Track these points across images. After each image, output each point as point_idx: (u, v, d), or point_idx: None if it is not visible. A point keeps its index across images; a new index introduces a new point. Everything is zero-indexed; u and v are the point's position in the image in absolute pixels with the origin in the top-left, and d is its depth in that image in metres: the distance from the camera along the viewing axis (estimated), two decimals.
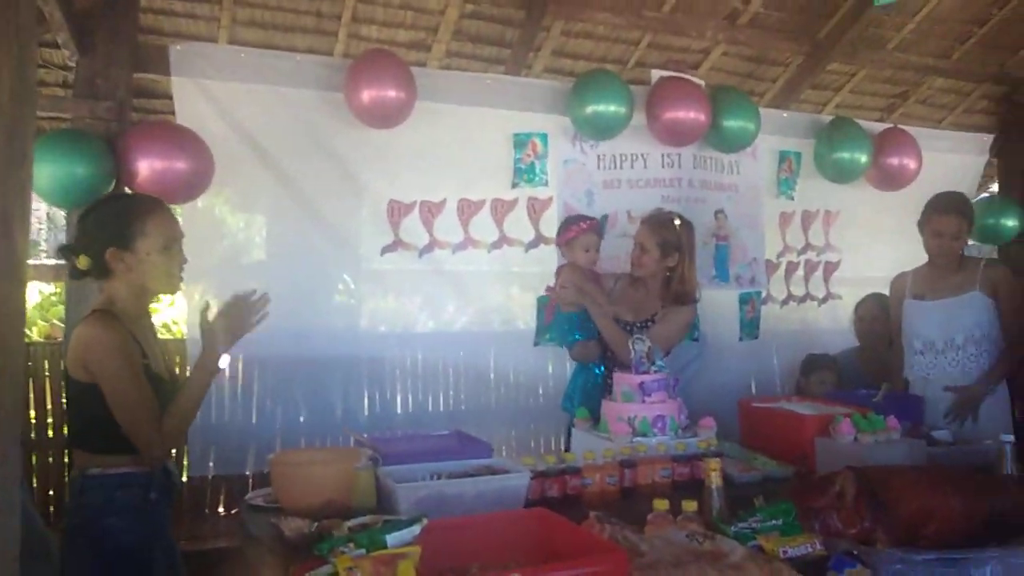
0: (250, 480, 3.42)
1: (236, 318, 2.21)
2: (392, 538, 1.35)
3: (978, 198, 5.00)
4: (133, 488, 2.10)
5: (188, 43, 3.28)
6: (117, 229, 2.16)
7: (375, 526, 1.39)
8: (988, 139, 4.92)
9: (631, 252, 3.31)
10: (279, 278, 3.48)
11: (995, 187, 5.24)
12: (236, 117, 3.33)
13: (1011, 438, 2.37)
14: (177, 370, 3.21)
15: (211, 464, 3.33)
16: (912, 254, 4.70)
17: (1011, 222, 4.68)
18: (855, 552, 1.72)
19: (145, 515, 2.12)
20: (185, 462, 3.25)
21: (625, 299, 3.32)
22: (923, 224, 3.49)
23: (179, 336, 5.25)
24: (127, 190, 3.03)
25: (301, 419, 3.49)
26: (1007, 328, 3.38)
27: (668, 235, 3.20)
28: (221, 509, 3.49)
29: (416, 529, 1.38)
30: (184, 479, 3.49)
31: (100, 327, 2.08)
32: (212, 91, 3.27)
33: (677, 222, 3.24)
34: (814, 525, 1.87)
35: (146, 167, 2.99)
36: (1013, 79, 4.84)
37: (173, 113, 3.26)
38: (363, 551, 1.31)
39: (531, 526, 1.72)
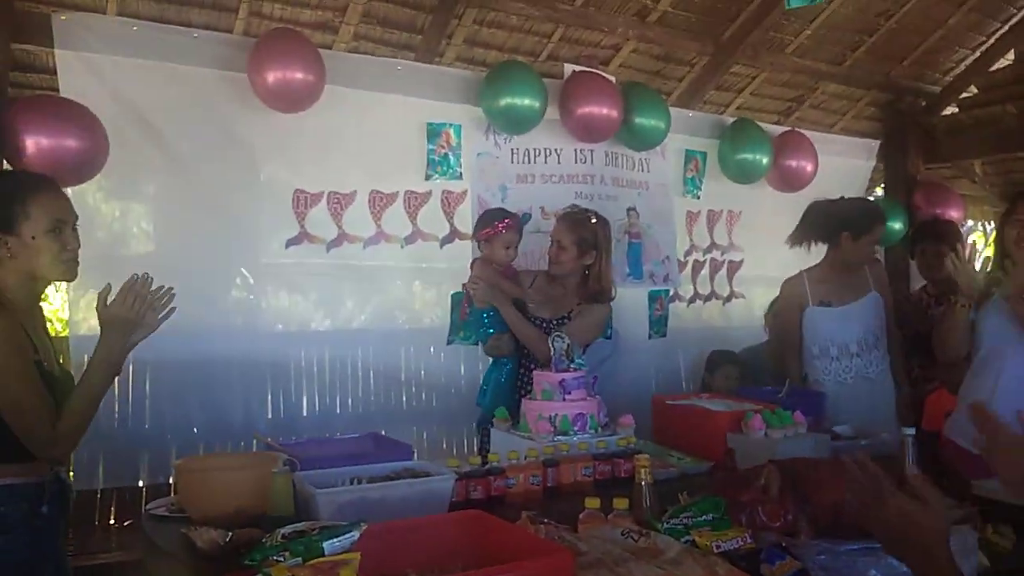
0: (144, 492, 3.17)
1: (137, 303, 2.04)
2: (330, 545, 1.25)
3: None
4: (22, 501, 1.91)
5: (73, 13, 3.00)
6: None
7: (311, 533, 1.28)
8: (875, 144, 5.19)
9: (548, 249, 3.28)
10: (170, 271, 3.15)
11: (880, 191, 5.51)
12: (126, 94, 3.09)
13: (912, 430, 2.46)
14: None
15: (100, 476, 3.09)
16: (808, 254, 4.90)
17: (897, 225, 4.92)
18: (783, 544, 1.73)
19: (36, 530, 1.92)
20: (70, 474, 2.98)
21: (542, 296, 3.29)
22: (861, 233, 3.46)
23: (54, 333, 4.86)
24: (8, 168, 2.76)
25: (199, 424, 3.26)
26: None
27: (585, 233, 3.19)
28: (113, 521, 3.22)
29: (355, 535, 1.29)
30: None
31: None
32: (100, 66, 3.02)
33: (593, 220, 3.24)
34: (741, 519, 1.88)
35: (33, 145, 2.72)
36: (898, 87, 5.11)
37: (55, 89, 3.00)
38: (299, 560, 1.21)
39: (466, 528, 1.64)
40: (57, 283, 2.45)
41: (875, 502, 1.37)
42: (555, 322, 3.18)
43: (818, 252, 4.53)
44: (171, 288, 2.16)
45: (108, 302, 2.06)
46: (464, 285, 3.33)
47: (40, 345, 2.02)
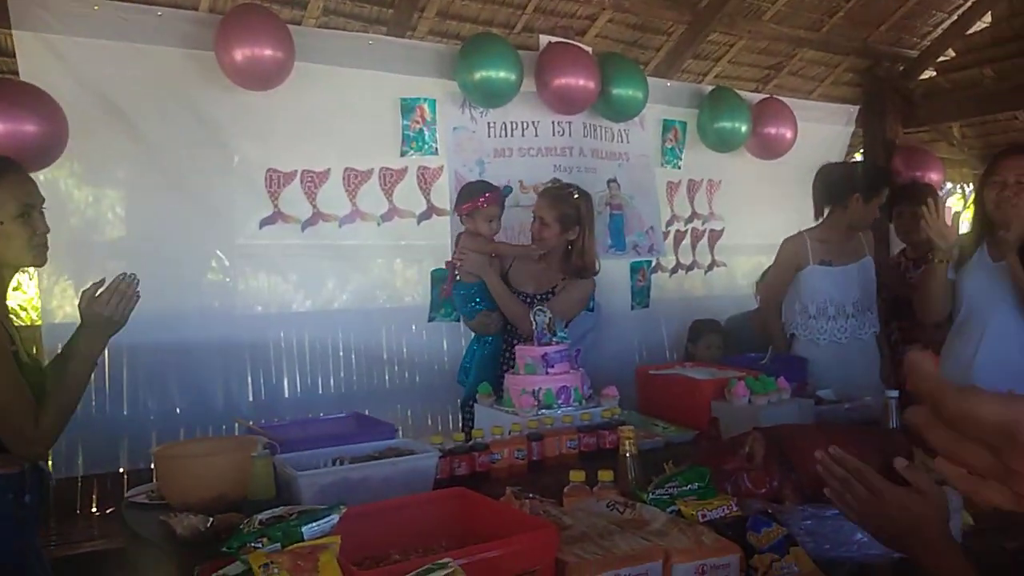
0: (125, 477, 3.14)
1: (122, 303, 2.03)
2: (308, 529, 1.22)
3: None
4: (7, 492, 1.89)
5: None
6: None
7: (289, 518, 1.25)
8: (854, 110, 5.17)
9: (531, 225, 3.25)
10: (143, 257, 3.19)
11: (859, 156, 5.51)
12: (89, 77, 3.02)
13: (895, 393, 2.47)
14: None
15: (79, 463, 3.05)
16: (789, 221, 4.90)
17: None
18: (769, 511, 1.72)
19: (20, 521, 1.91)
20: (50, 462, 2.95)
21: (526, 271, 3.27)
22: (871, 196, 3.46)
23: (28, 322, 4.80)
24: None
25: (178, 409, 3.23)
26: None
27: (568, 208, 3.17)
28: (94, 509, 3.19)
29: (334, 518, 1.26)
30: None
31: None
32: (60, 47, 2.94)
33: (576, 195, 3.21)
34: (726, 487, 1.87)
35: None
36: (875, 52, 5.08)
37: (13, 72, 2.93)
38: (278, 545, 1.18)
39: (450, 507, 1.62)
40: (30, 270, 2.39)
41: (871, 500, 1.29)
42: (539, 297, 3.16)
43: (801, 218, 4.51)
44: (134, 275, 2.12)
45: (91, 300, 2.03)
46: (447, 262, 3.29)
47: (13, 335, 1.97)
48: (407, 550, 1.48)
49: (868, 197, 3.46)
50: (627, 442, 2.00)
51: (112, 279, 2.08)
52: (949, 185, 6.24)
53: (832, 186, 3.54)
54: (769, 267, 4.11)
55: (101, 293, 2.04)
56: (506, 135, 3.86)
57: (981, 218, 2.94)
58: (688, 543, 1.51)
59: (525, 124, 3.90)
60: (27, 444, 1.91)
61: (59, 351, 2.19)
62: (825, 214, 3.57)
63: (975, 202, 3.08)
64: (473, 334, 3.33)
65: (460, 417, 3.34)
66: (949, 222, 2.89)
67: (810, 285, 3.50)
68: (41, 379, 2.01)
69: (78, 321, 2.99)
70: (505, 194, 3.36)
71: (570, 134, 3.98)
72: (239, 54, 3.03)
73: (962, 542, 1.64)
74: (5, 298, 2.09)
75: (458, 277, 3.21)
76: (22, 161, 2.45)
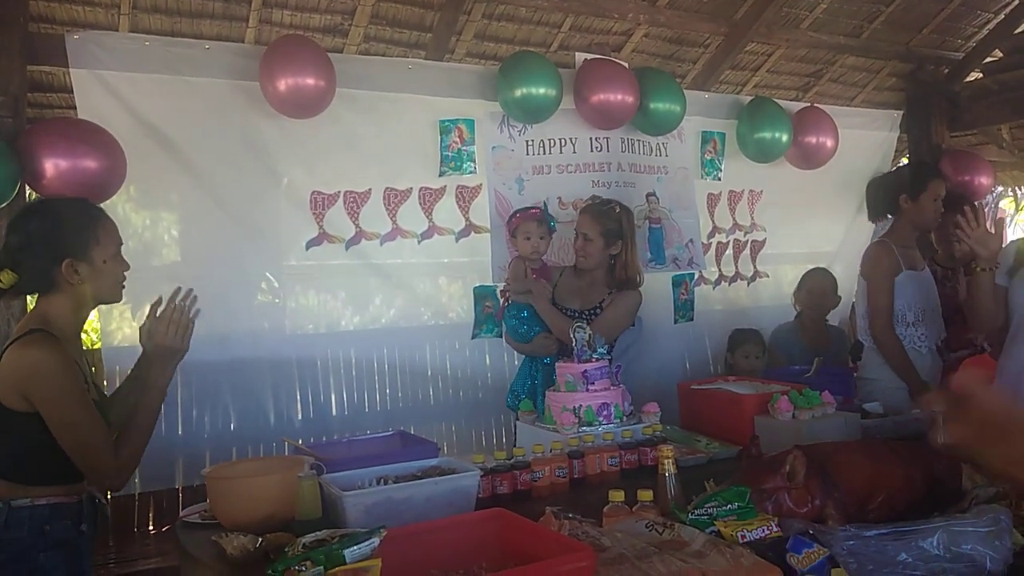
0: (179, 494, 3.24)
1: (179, 331, 2.12)
2: (351, 552, 1.27)
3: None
4: (63, 520, 1.97)
5: (86, 32, 3.06)
6: (72, 238, 2.01)
7: (331, 541, 1.30)
8: (898, 115, 5.08)
9: (574, 242, 3.29)
10: (196, 280, 3.24)
11: (905, 161, 5.41)
12: (142, 110, 3.14)
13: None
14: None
15: (136, 481, 3.14)
16: (833, 230, 4.86)
17: None
18: (811, 531, 1.71)
19: (76, 549, 1.98)
20: None
21: (571, 288, 3.31)
22: (917, 192, 3.42)
23: (88, 344, 4.97)
24: (32, 193, 2.82)
25: (231, 427, 3.32)
26: None
27: (610, 223, 3.20)
28: (151, 526, 3.29)
29: (375, 541, 1.31)
30: (108, 497, 3.28)
31: (43, 350, 1.91)
32: (114, 83, 3.07)
33: (617, 209, 3.24)
34: (767, 507, 1.86)
35: (51, 167, 2.78)
36: (918, 56, 5.00)
37: (71, 107, 3.08)
38: (320, 569, 1.23)
39: (489, 528, 1.65)
40: None
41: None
42: (586, 313, 3.20)
43: (846, 226, 4.44)
44: (191, 290, 2.22)
45: (151, 333, 2.12)
46: (501, 290, 3.37)
47: (86, 374, 2.07)
48: (447, 571, 1.52)
49: (914, 195, 3.43)
50: (666, 461, 2.00)
51: (167, 300, 2.17)
52: (1000, 188, 6.08)
53: (881, 198, 3.55)
54: (807, 276, 4.07)
55: (158, 326, 2.12)
56: (544, 152, 3.89)
57: None
58: (726, 565, 1.51)
59: (563, 141, 3.91)
60: (109, 477, 2.01)
61: (124, 379, 2.28)
62: (890, 223, 3.57)
63: None
64: (523, 359, 3.37)
65: (513, 437, 3.36)
66: (992, 228, 2.84)
67: (908, 292, 3.40)
68: (107, 411, 2.10)
69: (136, 344, 3.11)
70: (544, 211, 3.41)
71: (608, 149, 3.99)
72: (282, 84, 3.12)
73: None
74: (81, 335, 2.18)
75: (510, 300, 3.27)
76: (82, 195, 2.57)
